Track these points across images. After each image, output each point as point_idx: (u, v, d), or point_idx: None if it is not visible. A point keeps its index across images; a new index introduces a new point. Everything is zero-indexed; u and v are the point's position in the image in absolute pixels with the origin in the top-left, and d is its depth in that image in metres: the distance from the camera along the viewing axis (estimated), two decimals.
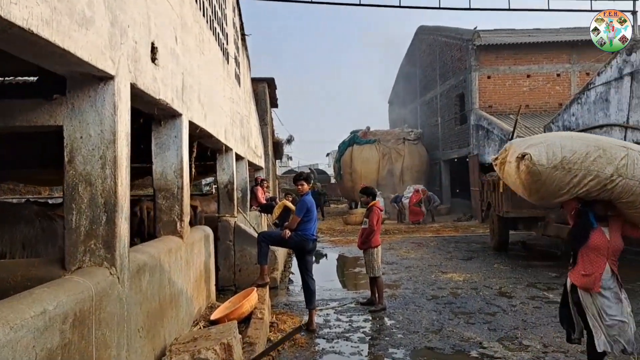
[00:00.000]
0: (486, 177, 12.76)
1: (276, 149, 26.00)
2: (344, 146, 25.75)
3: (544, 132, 15.36)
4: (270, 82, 18.77)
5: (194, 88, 5.78)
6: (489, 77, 20.99)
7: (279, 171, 52.30)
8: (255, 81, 18.34)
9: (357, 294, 8.27)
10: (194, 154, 6.96)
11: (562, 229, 9.82)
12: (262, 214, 13.54)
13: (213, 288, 6.72)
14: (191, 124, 5.61)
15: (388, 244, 14.34)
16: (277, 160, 32.29)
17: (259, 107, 18.37)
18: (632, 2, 11.90)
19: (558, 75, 21.05)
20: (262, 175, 15.40)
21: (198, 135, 6.59)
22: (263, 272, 6.46)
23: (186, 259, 5.18)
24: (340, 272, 11.04)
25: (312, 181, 6.69)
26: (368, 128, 25.60)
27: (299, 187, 6.38)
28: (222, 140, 7.82)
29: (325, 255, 13.42)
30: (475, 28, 21.00)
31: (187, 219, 5.31)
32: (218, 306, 6.16)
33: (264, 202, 13.61)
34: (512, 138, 16.65)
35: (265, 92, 18.33)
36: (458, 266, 10.35)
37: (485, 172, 14.85)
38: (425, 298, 7.70)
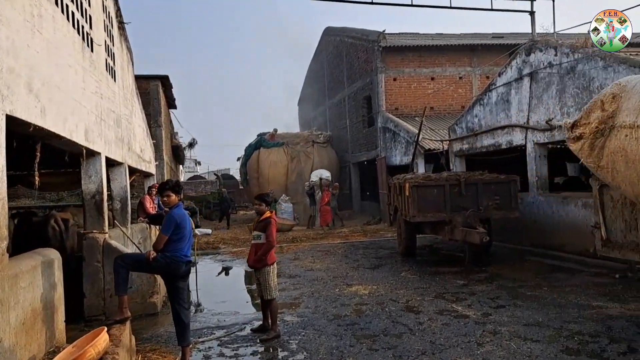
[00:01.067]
0: (393, 179, 12.26)
1: (175, 153, 24.33)
2: (251, 149, 24.59)
3: (449, 133, 15.27)
4: (165, 80, 17.26)
5: (20, 73, 4.45)
6: (394, 79, 20.85)
7: (184, 177, 49.93)
8: (145, 79, 16.77)
9: (251, 317, 7.23)
10: (38, 159, 5.60)
11: (469, 233, 9.44)
12: (152, 226, 12.08)
13: (61, 326, 5.36)
14: (14, 119, 4.29)
15: (293, 254, 13.44)
16: (180, 166, 30.42)
17: (151, 107, 16.82)
18: (529, 2, 11.94)
19: (460, 78, 21.37)
20: (153, 182, 13.88)
21: (37, 135, 5.23)
22: (122, 304, 5.23)
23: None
24: (236, 291, 9.94)
25: (181, 190, 5.53)
26: (275, 130, 24.66)
27: (165, 198, 5.25)
28: (81, 142, 6.44)
29: (225, 270, 12.24)
30: (384, 31, 20.77)
31: (3, 244, 3.99)
32: (65, 349, 4.86)
33: (153, 212, 12.17)
34: (417, 140, 16.45)
35: (158, 91, 16.79)
36: (364, 277, 9.64)
37: (393, 175, 14.45)
38: (326, 318, 6.83)
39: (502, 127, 12.45)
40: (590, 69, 9.58)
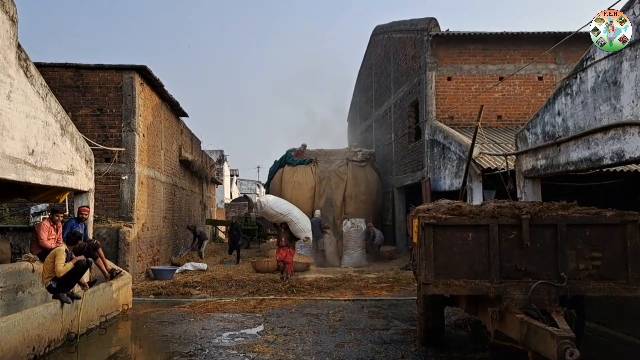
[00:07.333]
0: (412, 210, 7.42)
1: (192, 169, 20.67)
2: (275, 167, 20.42)
3: (516, 142, 10.18)
4: (145, 72, 13.50)
5: None
6: (449, 79, 15.93)
7: (227, 194, 46.41)
8: (116, 70, 13.13)
9: None
10: None
11: (537, 331, 4.49)
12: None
13: None
14: None
15: (263, 317, 8.92)
16: (208, 185, 26.91)
17: (123, 105, 13.15)
18: None
19: (540, 78, 16.04)
20: (84, 201, 9.99)
21: None
22: None
23: None
24: None
25: None
26: (304, 146, 20.35)
27: None
28: None
29: None
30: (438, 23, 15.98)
31: None
32: None
33: (53, 246, 8.21)
34: (470, 155, 11.48)
35: (133, 86, 13.08)
36: None
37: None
38: None
39: (605, 129, 7.31)
40: None
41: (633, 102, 6.78)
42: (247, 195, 48.18)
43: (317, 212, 17.36)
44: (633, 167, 11.03)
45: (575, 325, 4.86)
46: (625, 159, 7.05)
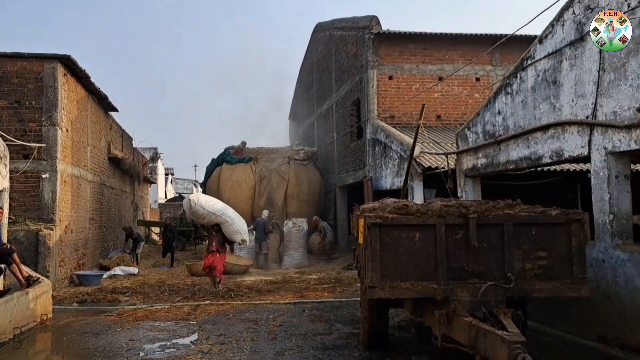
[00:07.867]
0: (356, 209, 7.15)
1: (120, 166, 19.53)
2: (212, 166, 19.72)
3: (457, 141, 10.19)
4: (69, 63, 12.49)
5: None
6: (390, 78, 15.93)
7: (161, 194, 44.79)
8: (36, 58, 12.08)
9: None
10: None
11: (486, 335, 4.30)
12: None
13: None
14: None
15: (198, 324, 8.36)
16: (141, 184, 25.65)
17: (44, 98, 12.10)
18: None
19: (477, 79, 16.39)
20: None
21: None
22: None
23: None
24: None
25: None
26: (244, 143, 19.77)
27: None
28: None
29: None
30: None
31: None
32: None
33: None
34: (412, 154, 11.41)
35: (55, 77, 12.05)
36: None
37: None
38: None
39: (545, 128, 7.36)
40: None
41: (572, 101, 6.83)
42: (183, 194, 46.66)
43: (265, 213, 16.82)
44: (566, 166, 11.38)
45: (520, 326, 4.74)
46: (565, 157, 7.11)
